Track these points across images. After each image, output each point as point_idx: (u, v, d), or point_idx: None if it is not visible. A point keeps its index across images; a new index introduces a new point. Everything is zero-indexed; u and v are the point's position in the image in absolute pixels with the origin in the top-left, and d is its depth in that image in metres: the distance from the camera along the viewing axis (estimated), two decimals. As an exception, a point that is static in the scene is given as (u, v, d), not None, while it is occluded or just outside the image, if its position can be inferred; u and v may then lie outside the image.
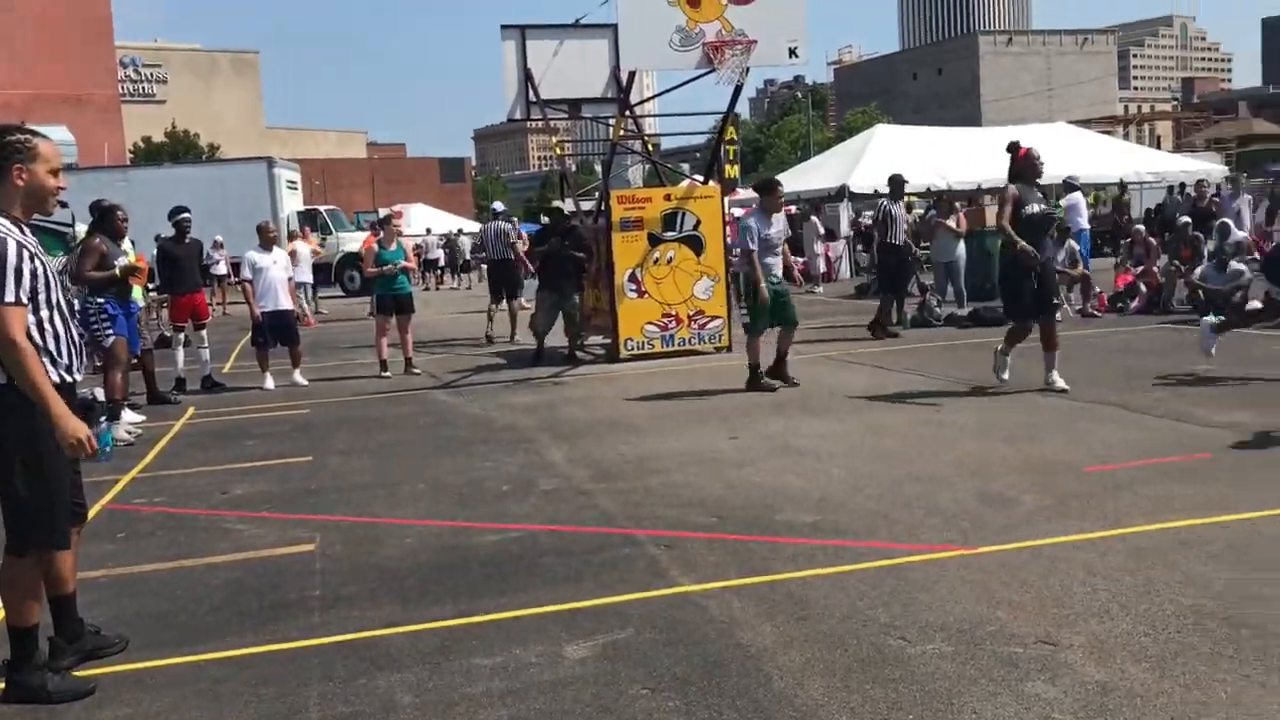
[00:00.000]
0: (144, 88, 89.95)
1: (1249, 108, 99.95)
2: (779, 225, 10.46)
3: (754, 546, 5.37)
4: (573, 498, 6.62)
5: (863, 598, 4.54)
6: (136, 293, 11.02)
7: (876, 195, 24.20)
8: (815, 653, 4.01)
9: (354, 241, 31.59)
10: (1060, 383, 9.23)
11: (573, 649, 4.20)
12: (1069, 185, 17.72)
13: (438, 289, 34.96)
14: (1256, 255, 15.35)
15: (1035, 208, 9.17)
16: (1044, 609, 4.31)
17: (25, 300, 3.91)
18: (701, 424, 8.81)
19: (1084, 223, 16.77)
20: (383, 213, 25.05)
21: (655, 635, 4.28)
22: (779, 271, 10.44)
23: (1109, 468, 6.54)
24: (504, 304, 16.50)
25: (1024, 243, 8.85)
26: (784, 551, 5.26)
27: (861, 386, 10.30)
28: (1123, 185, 29.73)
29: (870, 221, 19.80)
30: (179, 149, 70.97)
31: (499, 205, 19.03)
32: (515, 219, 24.84)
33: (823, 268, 26.25)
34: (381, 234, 13.66)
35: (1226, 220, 15.33)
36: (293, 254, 16.30)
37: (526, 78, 13.75)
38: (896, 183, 15.35)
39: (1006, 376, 9.41)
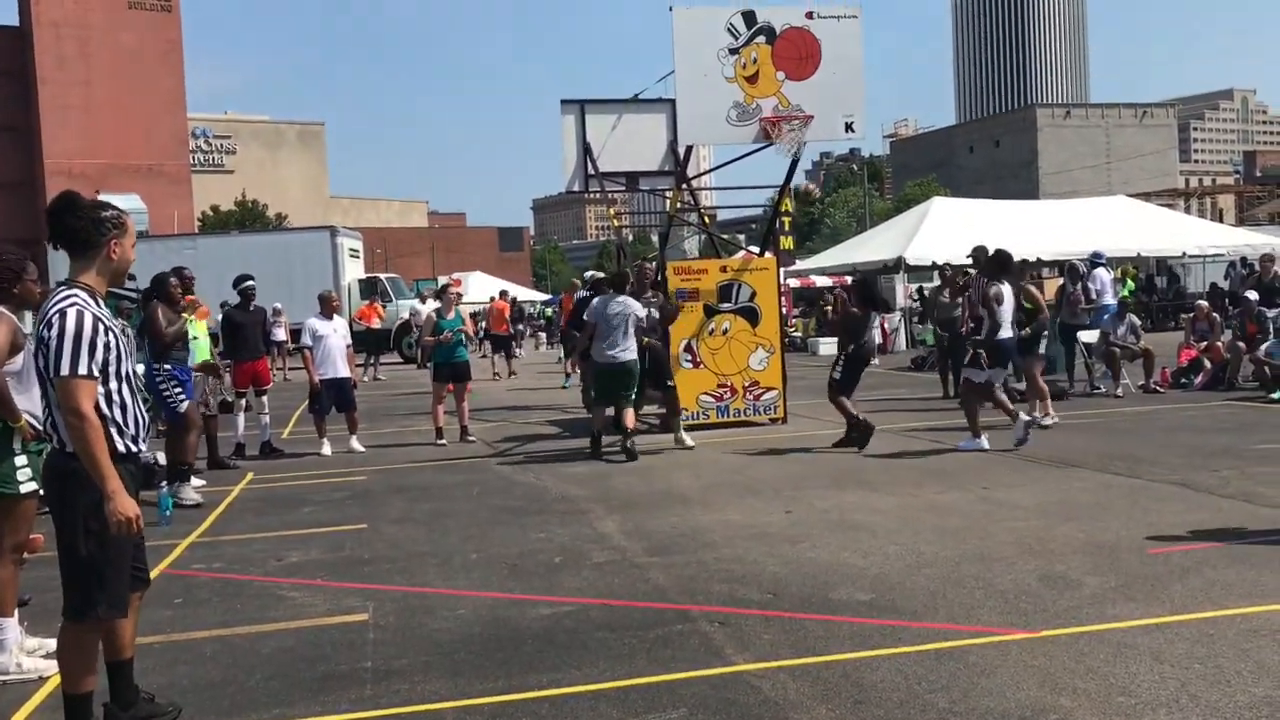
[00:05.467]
0: (214, 158, 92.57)
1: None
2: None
3: (809, 625, 5.29)
4: (626, 571, 6.57)
5: (920, 681, 4.44)
6: (203, 352, 11.29)
7: (933, 267, 24.13)
8: (872, 738, 3.91)
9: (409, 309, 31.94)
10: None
11: (624, 728, 4.14)
12: (1094, 262, 17.34)
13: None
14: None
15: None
16: (1110, 697, 4.18)
17: (96, 374, 3.97)
18: (755, 496, 8.74)
19: (1110, 299, 16.52)
20: (441, 281, 25.37)
21: (708, 716, 4.21)
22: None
23: (1174, 549, 6.38)
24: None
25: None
26: (839, 631, 5.17)
27: (918, 461, 10.17)
28: (1159, 262, 29.83)
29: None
30: (246, 218, 72.67)
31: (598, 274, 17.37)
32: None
33: (879, 339, 26.11)
34: (439, 303, 13.79)
35: (1292, 296, 15.04)
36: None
37: (585, 151, 13.96)
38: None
39: None
